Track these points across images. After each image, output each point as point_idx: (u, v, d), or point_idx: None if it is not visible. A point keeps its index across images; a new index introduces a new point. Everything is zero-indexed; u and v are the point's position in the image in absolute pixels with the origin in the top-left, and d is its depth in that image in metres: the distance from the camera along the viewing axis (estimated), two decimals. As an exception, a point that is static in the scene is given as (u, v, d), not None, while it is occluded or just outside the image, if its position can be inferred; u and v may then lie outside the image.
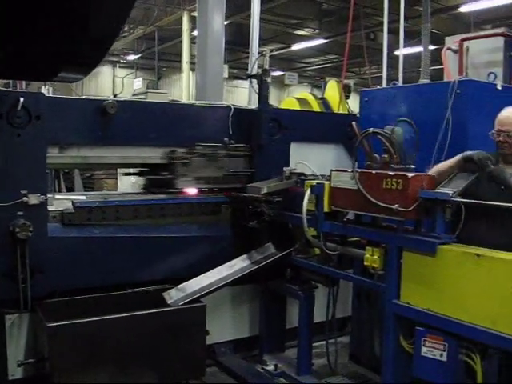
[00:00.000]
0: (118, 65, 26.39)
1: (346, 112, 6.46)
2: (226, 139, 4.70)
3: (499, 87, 4.40)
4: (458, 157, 3.59)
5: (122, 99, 4.53)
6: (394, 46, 7.18)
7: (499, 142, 3.62)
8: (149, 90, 4.78)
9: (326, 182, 3.85)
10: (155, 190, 4.67)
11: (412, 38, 10.90)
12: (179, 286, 4.11)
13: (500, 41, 6.34)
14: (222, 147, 4.71)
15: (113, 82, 26.44)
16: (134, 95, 5.00)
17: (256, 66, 5.09)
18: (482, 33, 7.26)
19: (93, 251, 4.10)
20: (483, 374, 3.05)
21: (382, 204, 3.34)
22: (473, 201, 3.23)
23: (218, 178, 4.75)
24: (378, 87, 5.55)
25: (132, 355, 3.75)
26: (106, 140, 4.24)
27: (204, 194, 4.71)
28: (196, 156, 4.59)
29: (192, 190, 4.64)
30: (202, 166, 4.64)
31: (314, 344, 4.66)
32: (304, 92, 12.83)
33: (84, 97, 4.48)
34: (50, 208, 4.03)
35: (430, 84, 4.74)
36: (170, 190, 4.55)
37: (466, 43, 6.48)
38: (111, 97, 5.27)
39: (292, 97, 8.84)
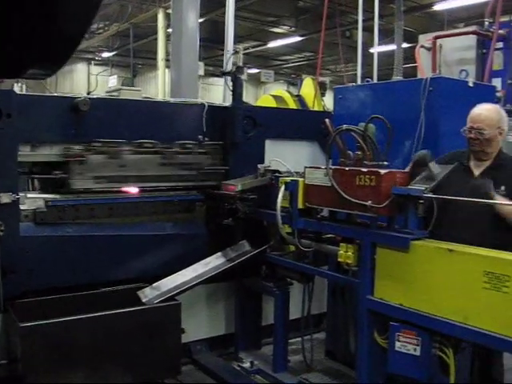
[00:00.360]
0: (92, 62, 26.14)
1: (322, 109, 6.48)
2: (199, 137, 4.68)
3: (471, 84, 4.44)
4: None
5: (94, 96, 4.49)
6: (369, 43, 7.25)
7: (470, 138, 3.66)
8: (122, 88, 4.76)
9: (301, 179, 3.86)
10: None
11: (387, 35, 10.99)
12: (154, 284, 4.09)
13: (472, 39, 6.43)
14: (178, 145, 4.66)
15: (88, 79, 26.19)
16: (107, 92, 4.95)
17: (231, 64, 5.08)
18: (454, 31, 7.35)
19: (66, 250, 4.05)
20: (456, 368, 3.09)
21: (355, 201, 3.36)
22: (444, 197, 3.27)
23: (168, 176, 4.63)
24: (353, 84, 5.58)
25: (106, 355, 3.72)
26: (79, 137, 4.19)
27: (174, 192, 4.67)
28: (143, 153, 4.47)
29: (133, 189, 4.46)
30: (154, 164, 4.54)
31: (290, 341, 4.68)
32: (280, 89, 12.87)
33: (56, 94, 4.41)
34: (22, 207, 3.97)
35: (402, 81, 4.78)
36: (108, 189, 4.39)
37: (439, 41, 6.57)
38: (85, 94, 5.21)
39: (268, 94, 8.86)
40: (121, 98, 4.51)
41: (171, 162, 4.56)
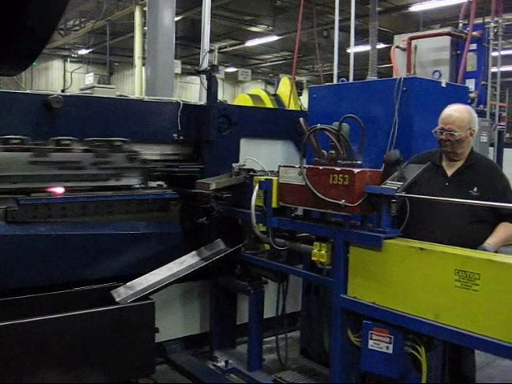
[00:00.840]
0: (68, 59, 25.89)
1: (298, 108, 6.50)
2: (174, 135, 4.66)
3: (444, 85, 4.49)
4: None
5: (67, 94, 4.44)
6: (346, 43, 7.27)
7: (441, 139, 3.68)
8: (96, 85, 4.70)
9: (275, 178, 3.86)
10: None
11: (364, 36, 11.03)
12: (128, 283, 4.06)
13: (447, 40, 6.52)
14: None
15: (63, 76, 25.92)
16: (81, 90, 4.90)
17: (207, 62, 5.06)
18: (429, 32, 7.42)
19: (38, 249, 4.00)
20: (428, 366, 3.11)
21: (328, 199, 3.36)
22: (416, 196, 3.30)
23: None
24: (327, 84, 5.61)
25: (79, 355, 3.67)
26: (52, 135, 4.14)
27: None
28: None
29: (59, 189, 4.31)
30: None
31: (265, 339, 4.68)
32: (257, 88, 12.87)
33: (28, 91, 4.35)
34: (-8, 205, 3.92)
35: (376, 81, 4.81)
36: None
37: (414, 42, 6.64)
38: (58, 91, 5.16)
39: (245, 93, 8.85)
40: (94, 95, 4.46)
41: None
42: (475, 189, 3.60)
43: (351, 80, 5.71)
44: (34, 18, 1.71)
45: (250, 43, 20.50)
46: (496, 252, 3.44)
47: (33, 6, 1.66)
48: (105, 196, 4.40)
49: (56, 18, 1.90)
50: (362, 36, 10.00)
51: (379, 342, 3.18)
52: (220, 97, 4.96)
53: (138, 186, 4.64)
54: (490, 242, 3.46)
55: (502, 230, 3.56)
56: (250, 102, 7.06)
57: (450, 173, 3.75)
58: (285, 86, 7.53)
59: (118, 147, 4.41)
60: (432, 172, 3.73)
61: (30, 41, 1.80)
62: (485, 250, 3.30)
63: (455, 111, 3.68)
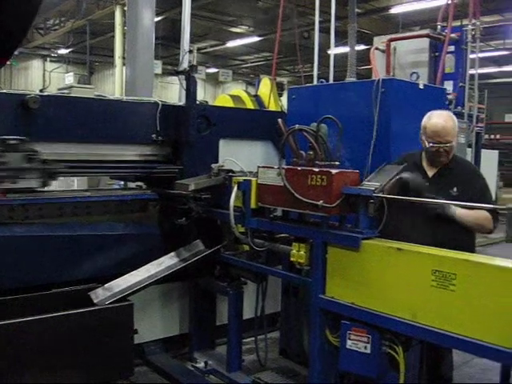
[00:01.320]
0: (48, 59, 25.65)
1: (279, 109, 6.50)
2: (153, 136, 4.64)
3: (421, 86, 4.52)
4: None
5: (45, 94, 4.39)
6: (327, 44, 7.30)
7: (437, 152, 3.68)
8: (74, 85, 4.65)
9: (253, 179, 3.85)
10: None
11: (345, 37, 11.06)
12: (106, 285, 4.03)
13: (425, 42, 6.57)
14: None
15: (43, 76, 25.68)
16: (59, 90, 4.85)
17: (186, 62, 5.04)
18: (408, 34, 7.47)
19: (15, 251, 3.95)
20: (406, 365, 3.13)
21: (307, 200, 3.37)
22: (393, 196, 3.31)
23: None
24: (306, 85, 5.62)
25: (57, 357, 3.64)
26: (29, 136, 4.09)
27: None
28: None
29: None
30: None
31: (245, 340, 4.67)
32: (238, 89, 12.86)
33: (5, 91, 4.30)
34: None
35: (355, 82, 4.82)
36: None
37: (393, 43, 6.69)
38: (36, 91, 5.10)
39: (226, 94, 8.84)
40: (72, 95, 4.42)
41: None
42: (455, 189, 3.65)
43: (331, 81, 5.73)
44: (7, 20, 1.69)
45: (231, 44, 20.48)
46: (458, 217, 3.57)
47: (5, 6, 1.64)
48: (82, 196, 4.36)
49: (29, 20, 1.88)
50: (342, 37, 10.04)
51: (357, 342, 3.19)
52: (201, 97, 4.95)
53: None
54: (460, 210, 3.55)
55: (477, 211, 3.62)
56: (230, 103, 7.05)
57: (430, 174, 3.79)
58: (265, 87, 7.53)
59: (13, 146, 4.04)
60: (415, 172, 3.76)
61: (2, 42, 1.78)
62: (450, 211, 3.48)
63: (445, 121, 3.67)
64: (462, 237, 3.58)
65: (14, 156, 4.02)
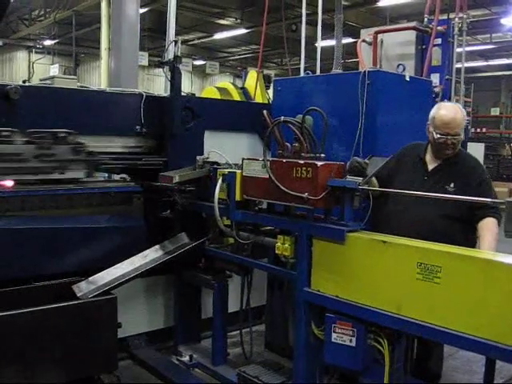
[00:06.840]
0: (33, 50, 25.36)
1: (267, 102, 6.47)
2: (137, 127, 4.59)
3: (407, 79, 4.50)
4: None
5: (26, 85, 4.33)
6: (314, 37, 7.26)
7: (445, 144, 3.62)
8: (56, 76, 4.59)
9: (238, 171, 3.82)
10: None
11: (332, 30, 11.03)
12: (90, 278, 3.98)
13: (412, 34, 6.54)
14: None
15: (28, 67, 25.40)
16: (41, 80, 4.78)
17: (172, 53, 4.98)
18: (394, 26, 7.45)
19: (-4, 243, 3.89)
20: (391, 358, 3.12)
21: (292, 193, 3.34)
22: (379, 189, 3.30)
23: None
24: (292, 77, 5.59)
25: (39, 352, 3.59)
26: (10, 126, 4.03)
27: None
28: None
29: (8, 183, 4.08)
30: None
31: (230, 333, 4.65)
32: (225, 81, 12.79)
33: (-15, 82, 4.23)
34: None
35: (340, 74, 4.80)
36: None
37: (380, 36, 6.64)
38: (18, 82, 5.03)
39: (213, 86, 8.79)
40: (54, 86, 4.35)
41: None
42: (452, 184, 3.62)
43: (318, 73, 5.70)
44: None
45: (218, 36, 20.35)
46: None
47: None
48: (65, 189, 4.29)
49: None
50: (329, 30, 10.00)
51: (342, 335, 3.19)
52: (188, 89, 4.90)
53: (85, 179, 4.42)
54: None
55: (490, 230, 3.49)
56: (217, 95, 7.01)
57: (430, 167, 3.76)
58: (252, 79, 7.49)
59: (62, 139, 4.19)
60: (415, 165, 3.74)
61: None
62: None
63: (455, 113, 3.61)
64: (460, 235, 3.54)
65: (62, 148, 4.16)
